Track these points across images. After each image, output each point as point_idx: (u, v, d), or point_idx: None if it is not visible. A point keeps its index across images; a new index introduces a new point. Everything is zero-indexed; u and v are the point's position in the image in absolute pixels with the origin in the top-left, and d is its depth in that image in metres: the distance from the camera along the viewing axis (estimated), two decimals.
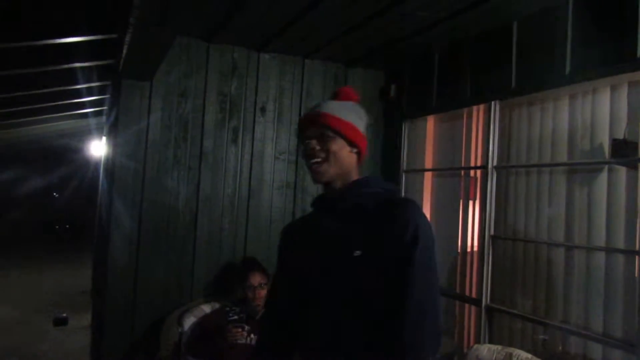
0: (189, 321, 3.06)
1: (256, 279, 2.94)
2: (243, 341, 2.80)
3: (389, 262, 1.32)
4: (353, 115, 1.48)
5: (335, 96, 1.54)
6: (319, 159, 1.41)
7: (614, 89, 2.50)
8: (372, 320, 1.32)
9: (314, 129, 1.44)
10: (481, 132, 3.22)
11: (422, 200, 3.70)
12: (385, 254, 1.33)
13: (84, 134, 8.29)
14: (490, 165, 3.01)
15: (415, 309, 1.28)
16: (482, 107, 3.16)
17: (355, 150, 1.47)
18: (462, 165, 3.38)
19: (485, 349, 2.52)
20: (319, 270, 1.42)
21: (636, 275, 2.28)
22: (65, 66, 3.70)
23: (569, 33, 2.54)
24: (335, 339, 1.36)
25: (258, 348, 1.64)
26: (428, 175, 3.70)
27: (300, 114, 3.73)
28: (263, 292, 2.93)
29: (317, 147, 1.42)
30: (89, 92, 4.72)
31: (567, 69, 2.54)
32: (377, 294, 1.33)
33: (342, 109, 1.47)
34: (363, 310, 1.34)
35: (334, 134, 1.42)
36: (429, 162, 3.68)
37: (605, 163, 2.52)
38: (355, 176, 1.48)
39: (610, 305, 2.44)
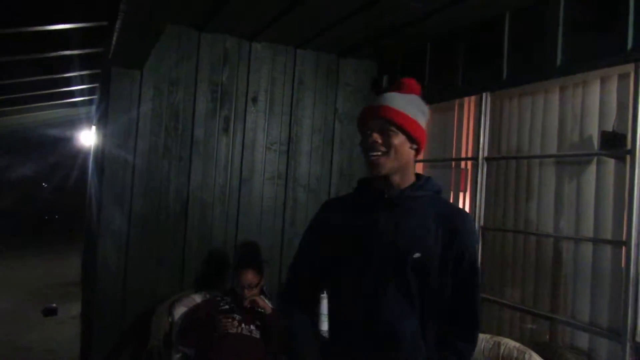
0: (179, 311, 3.07)
1: (247, 278, 2.92)
2: (234, 331, 2.81)
3: (449, 267, 1.45)
4: (416, 111, 1.48)
5: (399, 87, 1.54)
6: (378, 152, 1.43)
7: (603, 81, 2.52)
8: (425, 317, 1.47)
9: (376, 122, 1.45)
10: (472, 123, 3.24)
11: None
12: (447, 260, 1.45)
13: (74, 124, 8.23)
14: (480, 157, 3.02)
15: (476, 319, 1.51)
16: (473, 98, 3.17)
17: (415, 146, 1.48)
18: (453, 156, 3.40)
19: None
20: (377, 263, 1.47)
21: (623, 265, 2.30)
22: (54, 54, 3.65)
23: (560, 25, 2.55)
24: (394, 329, 1.45)
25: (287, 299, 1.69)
26: (419, 166, 3.71)
27: (292, 104, 3.72)
28: (252, 292, 2.91)
29: (379, 141, 1.43)
30: (79, 80, 4.67)
31: (558, 61, 2.56)
32: (430, 296, 1.46)
33: (406, 104, 1.47)
34: (415, 307, 1.46)
35: (397, 129, 1.43)
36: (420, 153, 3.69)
37: (594, 155, 2.54)
38: (412, 172, 1.52)
39: (597, 295, 2.47)
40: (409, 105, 1.47)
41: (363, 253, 1.49)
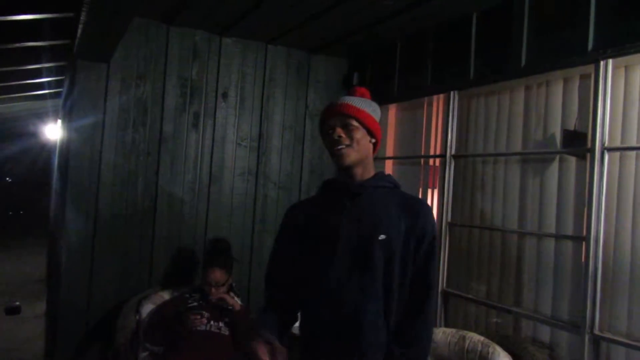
0: (147, 308, 3.03)
1: (215, 276, 2.89)
2: (202, 328, 2.79)
3: (409, 250, 1.55)
4: (372, 109, 1.65)
5: (353, 93, 1.69)
6: (343, 145, 1.57)
7: (566, 81, 2.59)
8: (388, 298, 1.55)
9: (338, 118, 1.59)
10: (440, 121, 3.28)
11: None
12: (407, 246, 1.55)
13: (40, 117, 8.01)
14: (448, 154, 3.07)
15: (430, 300, 1.57)
16: (442, 96, 3.21)
17: (373, 140, 1.65)
18: (422, 153, 3.44)
19: (439, 332, 2.60)
20: (344, 249, 1.56)
21: (583, 260, 2.38)
22: (18, 45, 3.55)
23: (525, 26, 2.61)
24: (357, 312, 1.54)
25: (266, 305, 1.74)
26: (389, 163, 3.74)
27: (262, 100, 3.70)
28: (219, 290, 2.89)
29: (343, 135, 1.57)
30: (44, 72, 4.55)
31: (523, 61, 2.62)
32: (394, 276, 1.54)
33: (363, 103, 1.63)
34: (382, 289, 1.55)
35: (358, 124, 1.58)
36: (389, 150, 3.73)
37: (557, 153, 2.61)
38: (372, 165, 1.66)
39: (559, 289, 2.55)
40: (365, 104, 1.64)
41: (329, 244, 1.58)
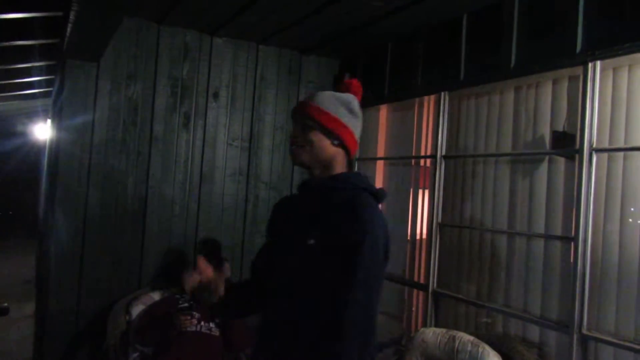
0: (137, 309, 3.01)
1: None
2: (193, 329, 2.79)
3: (334, 259, 1.35)
4: (341, 109, 1.51)
5: (339, 87, 1.59)
6: (295, 145, 1.51)
7: (555, 82, 2.61)
8: (309, 309, 1.38)
9: (298, 117, 1.53)
10: (431, 122, 3.30)
11: None
12: (332, 251, 1.36)
13: (30, 116, 7.95)
14: (439, 155, 3.08)
15: (349, 313, 1.32)
16: (432, 97, 3.22)
17: (336, 142, 1.50)
18: (413, 154, 3.45)
19: (430, 332, 2.61)
20: (282, 250, 1.52)
21: (571, 260, 2.40)
22: (7, 43, 3.52)
23: (515, 28, 2.63)
24: (276, 322, 1.46)
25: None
26: (380, 164, 3.75)
27: (254, 100, 3.70)
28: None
29: (297, 135, 1.50)
30: (34, 71, 4.52)
31: (513, 63, 2.63)
32: (317, 283, 1.37)
33: (332, 102, 1.50)
34: (303, 297, 1.40)
35: (314, 124, 1.48)
36: (380, 151, 3.74)
37: (546, 154, 2.63)
38: (339, 169, 1.52)
39: (548, 289, 2.57)
40: (335, 103, 1.51)
41: (278, 248, 1.56)
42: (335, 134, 1.49)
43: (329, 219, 1.42)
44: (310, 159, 1.50)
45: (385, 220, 1.46)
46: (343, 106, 1.51)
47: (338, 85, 1.61)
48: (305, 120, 1.49)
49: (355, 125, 1.54)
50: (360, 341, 1.33)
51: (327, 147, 1.49)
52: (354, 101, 1.55)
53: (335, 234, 1.37)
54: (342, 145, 1.51)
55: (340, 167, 1.53)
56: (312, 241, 1.40)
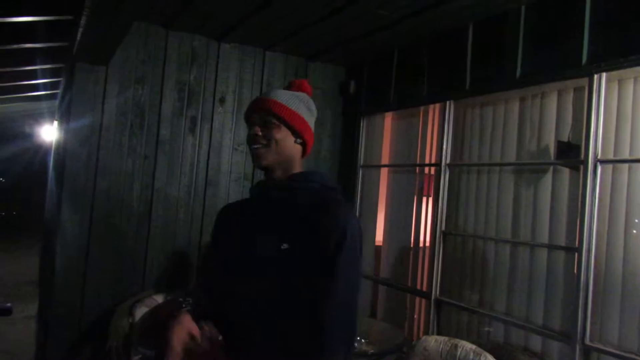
0: (140, 311, 3.02)
1: None
2: None
3: (313, 260, 1.30)
4: (301, 106, 1.46)
5: (289, 87, 1.53)
6: (259, 145, 1.39)
7: (560, 93, 2.62)
8: (291, 313, 1.31)
9: (258, 115, 1.42)
10: (436, 130, 3.31)
11: (378, 195, 3.77)
12: (311, 252, 1.31)
13: (36, 118, 8.00)
14: (443, 163, 3.09)
15: (334, 311, 1.28)
16: (437, 106, 3.24)
17: (299, 141, 1.45)
18: (417, 162, 3.46)
19: (432, 340, 2.61)
20: (248, 258, 1.40)
21: (575, 271, 2.40)
22: (16, 46, 3.55)
23: (520, 39, 2.65)
24: (254, 328, 1.35)
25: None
26: (384, 171, 3.77)
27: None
28: None
29: (260, 133, 1.40)
30: (40, 74, 4.55)
31: (518, 73, 2.65)
32: (297, 289, 1.31)
33: (291, 99, 1.45)
34: (283, 303, 1.33)
35: (279, 122, 1.40)
36: (385, 158, 3.75)
37: (550, 164, 2.64)
38: (297, 168, 1.46)
39: (551, 299, 2.57)
40: (295, 100, 1.45)
41: (239, 252, 1.44)
42: (299, 132, 1.44)
43: (304, 221, 1.34)
44: (274, 159, 1.41)
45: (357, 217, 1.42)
46: (302, 103, 1.47)
47: (289, 85, 1.54)
48: (269, 117, 1.40)
49: (312, 124, 1.50)
50: (347, 339, 1.31)
51: (291, 145, 1.43)
52: (310, 99, 1.51)
53: (313, 236, 1.31)
54: (303, 143, 1.46)
55: (298, 166, 1.47)
56: (285, 245, 1.33)
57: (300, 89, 1.52)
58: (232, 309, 1.40)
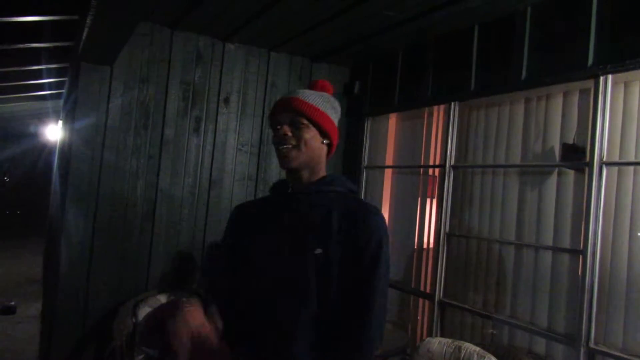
0: (144, 311, 3.02)
1: None
2: None
3: (348, 266, 1.33)
4: (328, 107, 1.44)
5: (311, 87, 1.50)
6: (289, 145, 1.37)
7: (566, 95, 2.61)
8: (324, 316, 1.33)
9: (287, 114, 1.39)
10: (440, 131, 3.30)
11: (381, 196, 3.76)
12: (346, 260, 1.33)
13: (41, 117, 8.02)
14: (448, 164, 3.09)
15: (370, 320, 1.32)
16: (442, 107, 3.23)
17: (327, 141, 1.43)
18: (422, 163, 3.46)
19: (436, 342, 2.60)
20: (276, 259, 1.39)
21: (579, 273, 2.39)
22: (22, 46, 3.57)
23: (526, 40, 2.64)
24: (280, 332, 1.35)
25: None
26: (388, 172, 3.76)
27: (264, 106, 3.72)
28: None
29: (289, 134, 1.38)
30: (45, 73, 4.57)
31: (523, 75, 2.64)
32: (330, 293, 1.33)
33: (318, 99, 1.42)
34: (312, 305, 1.33)
35: (308, 122, 1.38)
36: (389, 159, 3.74)
37: (555, 166, 2.63)
38: (322, 169, 1.45)
39: (555, 301, 2.56)
40: (321, 100, 1.43)
41: (266, 252, 1.42)
42: (327, 132, 1.42)
43: (339, 228, 1.35)
44: (303, 160, 1.38)
45: None
46: (329, 104, 1.45)
47: (312, 84, 1.51)
48: (298, 117, 1.37)
49: (337, 124, 1.48)
50: (378, 341, 1.35)
51: (319, 146, 1.41)
52: (335, 100, 1.50)
53: (349, 245, 1.33)
54: (329, 144, 1.45)
55: (324, 167, 1.45)
56: (319, 250, 1.33)
57: (323, 89, 1.49)
58: (255, 309, 1.39)
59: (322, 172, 1.45)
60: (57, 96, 5.88)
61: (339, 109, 1.50)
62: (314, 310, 1.33)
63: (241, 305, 1.44)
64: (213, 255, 1.59)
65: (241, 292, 1.44)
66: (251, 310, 1.41)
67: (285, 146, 1.37)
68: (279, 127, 1.39)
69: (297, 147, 1.37)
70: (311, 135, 1.39)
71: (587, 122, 2.41)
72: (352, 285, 1.33)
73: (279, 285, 1.37)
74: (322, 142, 1.42)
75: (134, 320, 3.01)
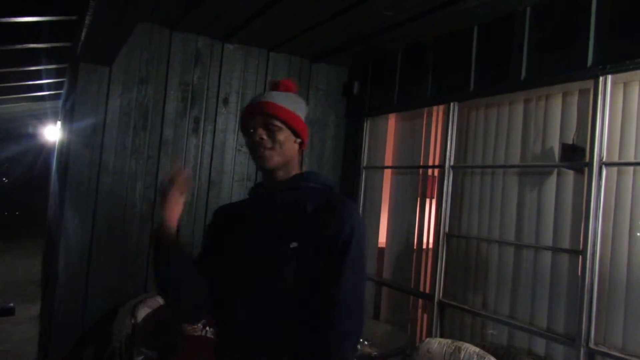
0: (143, 312, 3.02)
1: None
2: (198, 333, 2.79)
3: (322, 257, 1.35)
4: (296, 106, 1.50)
5: (276, 87, 1.54)
6: (265, 148, 1.42)
7: (565, 95, 2.61)
8: (301, 310, 1.35)
9: (260, 118, 1.43)
10: (440, 132, 3.30)
11: (381, 196, 3.76)
12: (320, 250, 1.35)
13: (39, 118, 8.01)
14: (447, 165, 3.09)
15: (342, 309, 1.32)
16: (441, 107, 3.23)
17: (299, 140, 1.49)
18: (421, 163, 3.45)
19: (435, 342, 2.60)
20: (255, 256, 1.42)
21: (579, 274, 2.39)
22: (20, 46, 3.56)
23: (525, 41, 2.64)
24: (261, 328, 1.38)
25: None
26: (388, 172, 3.76)
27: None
28: None
29: (264, 137, 1.42)
30: (44, 74, 4.56)
31: (523, 75, 2.64)
32: (306, 286, 1.35)
33: (287, 100, 1.48)
34: (292, 300, 1.36)
35: (281, 124, 1.43)
36: (389, 160, 3.74)
37: (555, 166, 2.63)
38: (296, 166, 1.51)
39: (555, 302, 2.56)
40: (289, 100, 1.49)
41: (243, 251, 1.46)
42: (299, 132, 1.47)
43: (312, 220, 1.39)
44: (280, 160, 1.44)
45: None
46: (297, 104, 1.50)
47: (273, 85, 1.56)
48: (271, 120, 1.43)
49: (305, 122, 1.53)
50: (353, 335, 1.35)
51: (292, 146, 1.47)
52: (300, 98, 1.55)
53: (321, 235, 1.36)
54: (301, 142, 1.50)
55: (297, 165, 1.51)
56: (294, 244, 1.36)
57: (288, 89, 1.54)
58: (236, 307, 1.41)
59: (296, 169, 1.51)
60: (55, 97, 5.87)
61: (305, 106, 1.55)
62: (289, 305, 1.36)
63: (217, 305, 1.46)
64: (198, 256, 1.59)
65: (216, 292, 1.46)
66: (228, 311, 1.42)
67: (262, 149, 1.42)
68: (252, 130, 1.44)
69: (272, 148, 1.42)
70: (285, 136, 1.44)
71: (586, 123, 2.41)
72: (323, 272, 1.34)
73: (255, 282, 1.40)
74: (295, 142, 1.48)
75: (133, 321, 3.00)
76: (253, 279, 1.41)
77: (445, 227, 3.07)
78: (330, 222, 1.37)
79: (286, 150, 1.44)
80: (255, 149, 1.43)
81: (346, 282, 1.33)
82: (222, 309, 1.46)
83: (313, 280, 1.34)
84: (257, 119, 1.44)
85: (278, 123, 1.43)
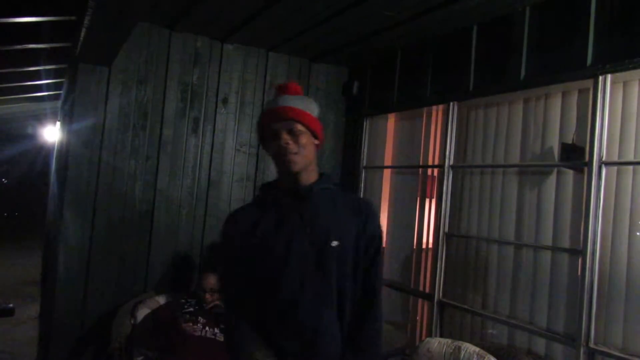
0: (142, 312, 3.02)
1: (210, 281, 2.92)
2: (197, 334, 2.79)
3: (359, 253, 1.55)
4: (311, 107, 1.58)
5: (286, 91, 1.59)
6: (292, 152, 1.49)
7: (565, 95, 2.61)
8: (342, 303, 1.53)
9: (282, 123, 1.50)
10: (439, 131, 3.30)
11: (380, 196, 3.76)
12: (358, 250, 1.55)
13: (39, 118, 8.00)
14: (446, 164, 3.08)
15: (380, 297, 1.60)
16: (441, 107, 3.23)
17: (317, 142, 1.58)
18: (421, 163, 3.45)
19: (435, 342, 2.60)
20: (296, 255, 1.50)
21: (579, 273, 2.39)
22: (19, 47, 3.56)
23: (525, 40, 2.64)
24: (324, 315, 1.51)
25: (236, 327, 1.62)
26: (387, 172, 3.76)
27: (262, 106, 3.72)
28: (214, 297, 2.91)
29: (290, 142, 1.49)
30: (43, 74, 4.56)
31: (522, 74, 2.64)
32: (347, 281, 1.53)
33: (302, 103, 1.55)
34: (337, 294, 1.52)
35: (303, 127, 1.51)
36: (388, 159, 3.74)
37: (555, 166, 2.63)
38: (315, 167, 1.59)
39: (555, 301, 2.55)
40: (304, 103, 1.56)
41: (281, 253, 1.51)
42: (317, 134, 1.56)
43: (348, 222, 1.55)
44: (305, 163, 1.52)
45: None
46: (312, 105, 1.59)
47: (283, 89, 1.61)
48: (294, 124, 1.50)
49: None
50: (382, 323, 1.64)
51: (312, 148, 1.55)
52: (312, 99, 1.64)
53: (359, 237, 1.55)
54: (319, 144, 1.59)
55: (315, 165, 1.60)
56: (335, 242, 1.50)
57: (297, 92, 1.61)
58: (302, 297, 1.51)
59: (315, 170, 1.60)
60: (55, 97, 5.86)
61: (317, 106, 1.63)
62: (334, 302, 1.52)
63: (267, 309, 1.54)
64: (228, 274, 1.64)
65: (264, 296, 1.54)
66: (276, 312, 1.53)
67: (289, 153, 1.49)
68: (276, 136, 1.51)
69: (298, 153, 1.50)
70: (307, 139, 1.53)
71: (586, 122, 2.41)
72: (361, 277, 1.55)
73: (300, 284, 1.50)
74: (314, 143, 1.57)
75: (132, 321, 3.00)
76: (295, 280, 1.50)
77: (445, 227, 3.07)
78: (367, 227, 1.56)
79: (308, 152, 1.53)
80: (282, 154, 1.50)
81: (378, 275, 1.59)
82: (277, 302, 1.52)
83: (350, 274, 1.53)
84: (280, 123, 1.51)
85: (300, 127, 1.51)
